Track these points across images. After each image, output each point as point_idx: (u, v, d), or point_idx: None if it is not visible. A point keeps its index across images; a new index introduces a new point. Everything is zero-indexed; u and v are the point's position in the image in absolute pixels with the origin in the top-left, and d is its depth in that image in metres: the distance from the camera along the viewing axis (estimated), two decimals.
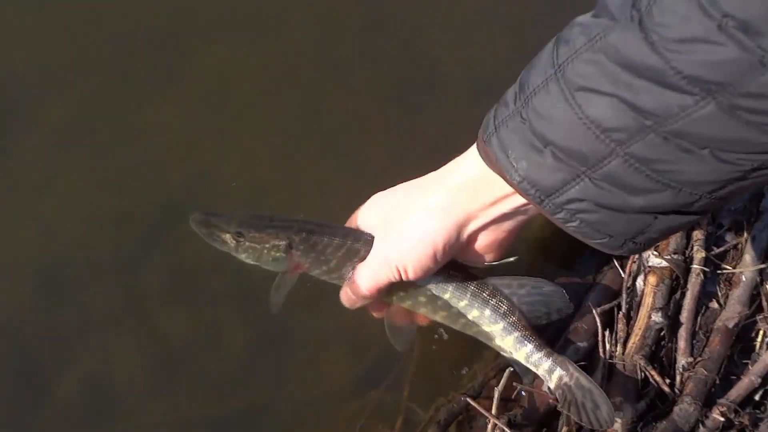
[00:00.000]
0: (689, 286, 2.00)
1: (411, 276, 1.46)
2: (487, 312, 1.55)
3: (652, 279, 1.98)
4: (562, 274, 2.08)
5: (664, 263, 1.99)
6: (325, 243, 1.53)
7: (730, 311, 1.98)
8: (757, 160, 1.03)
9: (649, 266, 2.00)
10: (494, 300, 1.54)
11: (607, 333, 1.93)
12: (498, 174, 1.25)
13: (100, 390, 1.95)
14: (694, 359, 1.91)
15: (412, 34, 2.43)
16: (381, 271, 1.48)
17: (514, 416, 1.81)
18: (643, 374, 1.87)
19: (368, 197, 1.57)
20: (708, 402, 1.85)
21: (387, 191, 1.51)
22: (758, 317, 2.00)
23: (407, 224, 1.42)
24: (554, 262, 2.11)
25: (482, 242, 1.45)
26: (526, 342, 1.55)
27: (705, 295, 2.03)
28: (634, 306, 1.99)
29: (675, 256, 2.00)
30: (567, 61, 1.12)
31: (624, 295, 2.00)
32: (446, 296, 1.54)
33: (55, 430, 1.92)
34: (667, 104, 1.02)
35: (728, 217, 2.13)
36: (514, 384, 1.82)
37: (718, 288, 2.06)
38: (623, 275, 2.03)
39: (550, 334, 1.92)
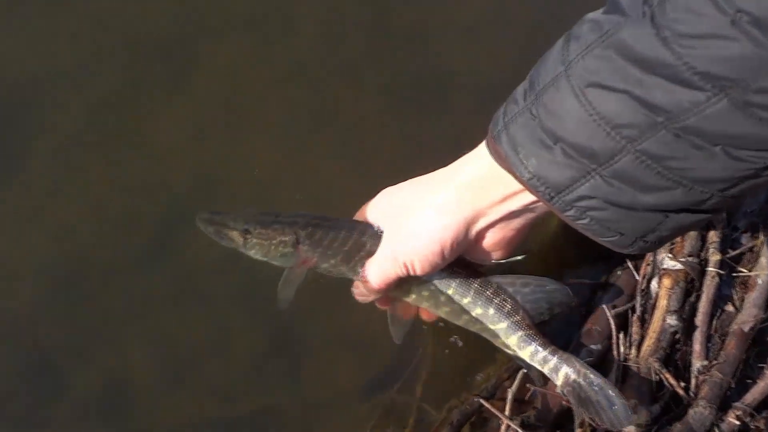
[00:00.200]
0: (704, 288, 1.98)
1: (418, 272, 1.46)
2: (491, 310, 1.54)
3: (666, 281, 1.96)
4: (574, 275, 2.06)
5: (679, 266, 1.97)
6: (331, 237, 1.54)
7: (746, 314, 1.96)
8: None
9: (664, 269, 1.99)
10: (498, 298, 1.54)
11: (621, 335, 1.91)
12: (507, 171, 1.24)
13: (114, 388, 1.96)
14: (710, 362, 1.89)
15: (422, 35, 2.43)
16: (389, 266, 1.48)
17: (528, 417, 1.80)
18: (657, 377, 1.85)
19: None
20: (723, 406, 1.83)
21: (396, 187, 1.51)
22: None
23: (415, 221, 1.42)
24: (566, 263, 2.10)
25: (490, 240, 1.44)
26: (530, 340, 1.54)
27: (720, 298, 2.01)
28: (648, 308, 1.98)
29: (690, 259, 1.99)
30: (577, 58, 1.11)
31: (638, 298, 1.99)
32: (449, 292, 1.54)
33: (71, 427, 1.93)
34: (678, 100, 1.02)
35: (744, 220, 2.11)
36: (528, 385, 1.81)
37: (733, 291, 2.04)
38: (637, 277, 2.02)
39: (563, 342, 1.91)
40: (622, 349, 1.90)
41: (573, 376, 1.51)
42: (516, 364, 1.80)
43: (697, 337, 1.93)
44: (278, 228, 1.55)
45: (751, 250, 2.08)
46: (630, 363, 1.87)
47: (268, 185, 2.17)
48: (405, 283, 1.55)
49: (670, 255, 2.00)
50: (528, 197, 1.30)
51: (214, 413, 1.95)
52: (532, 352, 1.55)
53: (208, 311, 2.04)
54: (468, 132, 1.42)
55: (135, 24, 2.35)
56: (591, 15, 1.14)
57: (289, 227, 1.55)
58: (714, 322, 1.98)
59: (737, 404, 1.83)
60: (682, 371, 1.91)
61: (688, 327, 1.95)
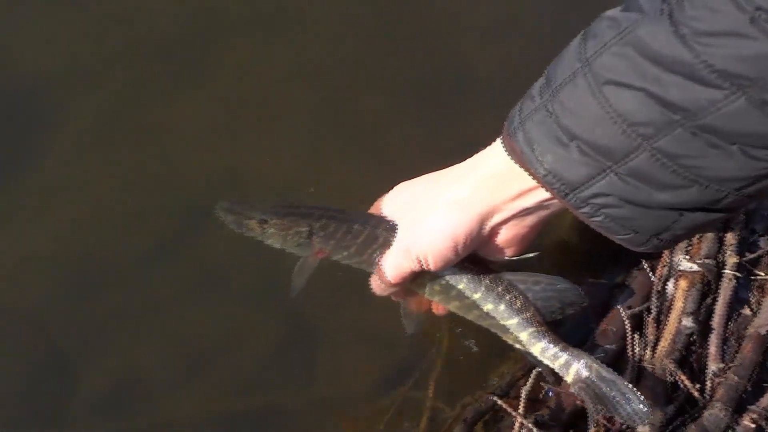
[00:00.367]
0: (721, 291, 1.97)
1: (432, 266, 1.46)
2: (502, 306, 1.55)
3: (683, 283, 1.96)
4: (589, 276, 2.06)
5: (696, 267, 1.97)
6: (344, 230, 1.56)
7: (763, 318, 1.95)
8: None
9: (680, 270, 1.98)
10: (509, 295, 1.54)
11: (636, 336, 1.91)
12: (522, 168, 1.24)
13: (126, 384, 1.97)
14: (725, 365, 1.88)
15: (438, 36, 2.44)
16: (403, 260, 1.48)
17: (541, 416, 1.80)
18: (672, 378, 1.85)
19: None
20: (738, 408, 1.82)
21: (411, 181, 1.51)
22: None
23: (430, 216, 1.42)
24: (582, 264, 2.10)
25: (504, 236, 1.44)
26: (541, 337, 1.54)
27: (737, 300, 2.01)
28: (663, 310, 1.97)
29: (707, 261, 1.98)
30: (595, 55, 1.11)
31: (654, 299, 1.98)
32: (460, 287, 1.55)
33: (83, 424, 1.94)
34: (696, 98, 1.01)
35: (762, 223, 2.10)
36: (542, 384, 1.81)
37: (750, 294, 2.04)
38: (653, 279, 2.01)
39: (577, 342, 1.91)
40: (636, 349, 1.90)
41: (585, 373, 1.51)
42: (530, 362, 1.79)
43: (713, 340, 1.92)
44: (294, 219, 1.58)
45: None
46: (645, 364, 1.87)
47: (281, 183, 2.18)
48: (418, 277, 1.56)
49: (686, 257, 1.99)
50: (542, 194, 1.30)
51: (226, 408, 1.96)
52: (542, 348, 1.55)
53: (221, 307, 2.05)
54: (483, 132, 1.42)
55: (148, 23, 2.37)
56: (609, 12, 1.14)
57: (304, 219, 1.58)
58: (730, 325, 1.97)
59: (753, 407, 1.83)
60: (697, 373, 1.91)
61: (704, 329, 1.94)
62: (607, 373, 1.49)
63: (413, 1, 2.48)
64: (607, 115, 1.09)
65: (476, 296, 1.55)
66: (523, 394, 1.80)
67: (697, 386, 1.85)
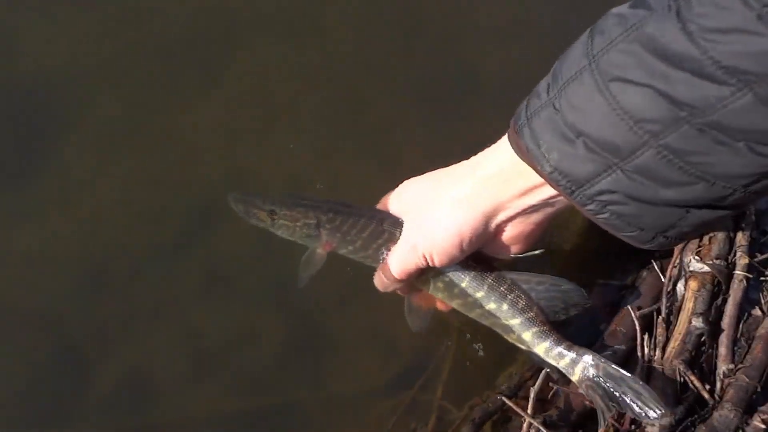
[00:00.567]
0: (731, 292, 1.96)
1: (437, 263, 1.47)
2: (505, 306, 1.55)
3: (693, 284, 1.95)
4: (599, 276, 2.05)
5: (706, 268, 1.95)
6: (350, 224, 1.58)
7: None
8: None
9: (691, 271, 1.97)
10: (512, 295, 1.55)
11: (645, 336, 1.90)
12: (529, 164, 1.24)
13: (139, 381, 1.98)
14: (735, 366, 1.87)
15: (451, 37, 2.44)
16: (409, 257, 1.49)
17: (550, 416, 1.79)
18: (682, 379, 1.84)
19: None
20: (748, 409, 1.81)
21: (418, 178, 1.52)
22: None
23: (436, 213, 1.43)
24: (591, 264, 2.09)
25: (509, 234, 1.45)
26: (545, 337, 1.54)
27: (747, 301, 1.99)
28: (673, 311, 1.96)
29: (717, 262, 1.97)
30: (602, 52, 1.11)
31: (664, 300, 1.98)
32: (463, 285, 1.55)
33: (96, 419, 1.95)
34: (703, 95, 1.01)
35: None
36: (551, 384, 1.80)
37: (761, 295, 2.02)
38: (663, 279, 2.01)
39: (586, 342, 1.90)
40: (646, 350, 1.89)
41: (591, 371, 1.50)
42: (537, 363, 1.79)
43: (723, 341, 1.91)
44: (302, 211, 1.61)
45: None
46: (654, 364, 1.86)
47: (287, 183, 2.19)
48: (422, 274, 1.56)
49: (697, 257, 1.98)
50: (548, 191, 1.30)
51: (237, 407, 1.97)
52: (547, 348, 1.55)
53: (233, 306, 2.06)
54: (495, 133, 1.42)
55: (167, 23, 2.38)
56: (616, 9, 1.14)
57: (312, 211, 1.60)
58: (741, 326, 1.96)
59: (763, 408, 1.81)
60: (707, 374, 1.90)
61: (714, 330, 1.93)
62: (614, 370, 1.48)
63: (417, 4, 2.48)
64: (614, 111, 1.09)
65: (479, 294, 1.55)
66: (532, 394, 1.79)
67: (707, 387, 1.84)
